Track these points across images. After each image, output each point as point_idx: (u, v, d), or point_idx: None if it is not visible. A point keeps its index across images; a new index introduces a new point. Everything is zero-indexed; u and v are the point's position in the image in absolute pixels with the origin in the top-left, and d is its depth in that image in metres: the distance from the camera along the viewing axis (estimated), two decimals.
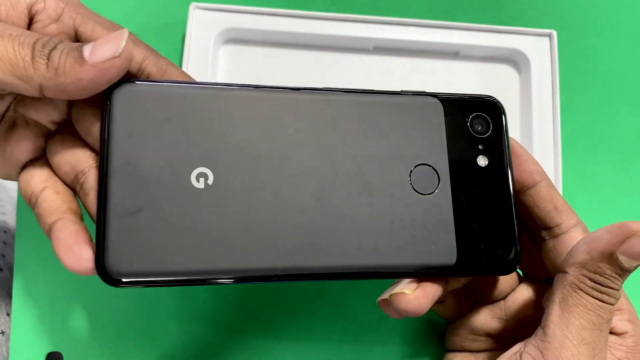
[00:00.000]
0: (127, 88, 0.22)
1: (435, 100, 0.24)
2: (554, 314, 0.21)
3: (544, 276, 0.26)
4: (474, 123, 0.24)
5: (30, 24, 0.22)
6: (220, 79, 0.34)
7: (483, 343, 0.27)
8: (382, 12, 0.36)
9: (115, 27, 0.23)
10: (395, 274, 0.23)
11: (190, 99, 0.22)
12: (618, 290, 0.21)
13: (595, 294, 0.20)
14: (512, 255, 0.23)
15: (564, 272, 0.22)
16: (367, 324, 0.32)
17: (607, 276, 0.20)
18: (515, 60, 0.36)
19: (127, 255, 0.20)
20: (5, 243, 0.37)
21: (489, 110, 0.24)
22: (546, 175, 0.24)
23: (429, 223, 0.23)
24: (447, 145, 0.24)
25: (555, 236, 0.24)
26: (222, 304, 0.32)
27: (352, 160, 0.23)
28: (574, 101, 0.36)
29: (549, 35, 0.35)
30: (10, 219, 0.40)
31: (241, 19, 0.34)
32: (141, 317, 0.32)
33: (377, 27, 0.35)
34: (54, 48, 0.20)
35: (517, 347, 0.22)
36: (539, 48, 0.35)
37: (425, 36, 0.35)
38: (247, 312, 0.32)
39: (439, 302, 0.29)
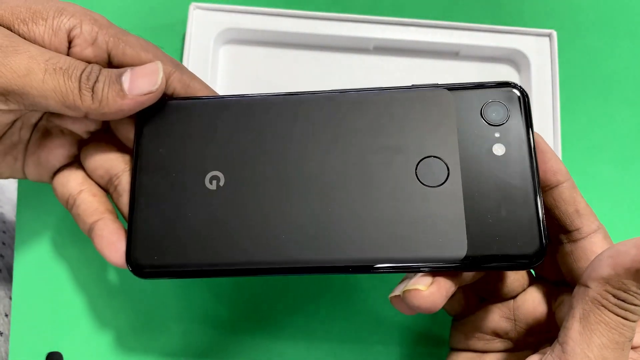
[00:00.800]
0: (154, 106, 0.25)
1: (445, 90, 0.24)
2: (574, 330, 0.20)
3: (555, 278, 0.26)
4: (489, 111, 0.23)
5: (69, 47, 0.24)
6: (220, 79, 0.34)
7: (489, 343, 0.27)
8: (382, 12, 0.36)
9: (142, 45, 0.25)
10: (399, 268, 0.22)
11: (206, 112, 0.25)
12: None
13: (619, 311, 0.20)
14: (533, 249, 0.22)
15: (586, 286, 0.20)
16: (367, 324, 0.32)
17: (631, 293, 0.19)
18: (515, 60, 0.36)
19: (150, 250, 0.23)
20: (4, 243, 0.37)
21: (506, 96, 0.23)
22: (569, 175, 0.23)
23: (436, 215, 0.22)
24: (459, 135, 0.23)
25: (574, 241, 0.23)
26: (222, 304, 0.32)
27: (358, 157, 0.23)
28: (574, 101, 0.36)
29: (549, 35, 0.35)
30: (9, 220, 0.40)
31: (241, 19, 0.34)
32: (141, 317, 0.32)
33: (377, 27, 0.35)
34: (97, 80, 0.23)
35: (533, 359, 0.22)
36: (539, 48, 0.35)
37: (425, 36, 0.35)
38: (247, 312, 0.32)
39: None
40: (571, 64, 0.37)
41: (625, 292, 0.19)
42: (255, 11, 0.34)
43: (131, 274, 0.23)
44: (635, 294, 0.19)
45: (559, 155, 0.33)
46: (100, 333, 0.31)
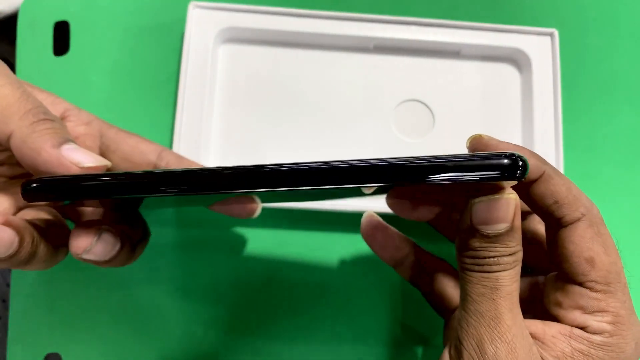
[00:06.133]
0: None
1: None
2: (459, 298, 0.22)
3: (544, 266, 0.26)
4: None
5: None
6: (220, 78, 0.34)
7: None
8: (382, 11, 0.36)
9: (135, 134, 0.27)
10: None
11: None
12: (505, 256, 0.21)
13: (476, 267, 0.21)
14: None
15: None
16: (368, 325, 0.32)
17: (477, 248, 0.21)
18: (516, 60, 0.36)
19: None
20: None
21: None
22: (543, 168, 0.22)
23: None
24: None
25: (559, 229, 0.23)
26: (222, 305, 0.32)
27: None
28: (575, 100, 0.36)
29: (551, 34, 0.35)
30: None
31: (241, 17, 0.34)
32: (141, 317, 0.31)
33: (378, 26, 0.34)
34: (48, 120, 0.21)
35: None
36: (540, 47, 0.35)
37: (426, 35, 0.35)
38: (247, 313, 0.32)
39: (398, 265, 0.29)
40: (573, 63, 0.37)
41: (472, 250, 0.21)
42: (254, 10, 0.34)
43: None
44: (480, 248, 0.21)
45: (561, 155, 0.33)
46: (99, 334, 0.31)
